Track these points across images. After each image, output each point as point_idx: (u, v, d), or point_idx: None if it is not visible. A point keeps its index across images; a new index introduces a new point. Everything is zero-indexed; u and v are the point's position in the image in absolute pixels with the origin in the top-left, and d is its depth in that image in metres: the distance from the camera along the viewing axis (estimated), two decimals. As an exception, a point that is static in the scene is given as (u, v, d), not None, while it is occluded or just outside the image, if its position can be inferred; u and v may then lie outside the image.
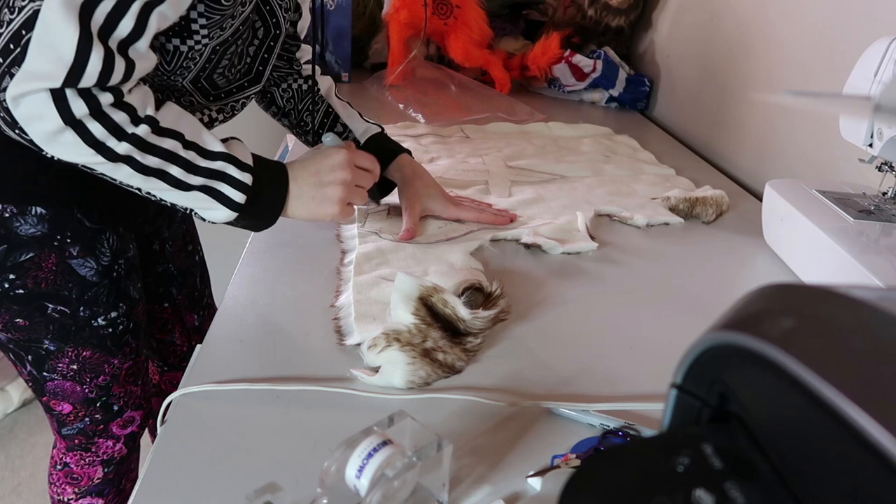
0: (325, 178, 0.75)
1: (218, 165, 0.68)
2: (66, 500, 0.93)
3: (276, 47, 0.83)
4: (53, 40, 0.56)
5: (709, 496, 0.21)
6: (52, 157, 0.62)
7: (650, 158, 1.30)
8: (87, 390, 0.84)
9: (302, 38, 0.97)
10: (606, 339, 0.72)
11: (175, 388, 0.60)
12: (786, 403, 0.21)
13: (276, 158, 1.06)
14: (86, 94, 0.59)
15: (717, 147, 1.42)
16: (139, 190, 0.67)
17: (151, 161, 0.64)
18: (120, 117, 0.61)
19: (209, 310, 1.13)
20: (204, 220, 0.71)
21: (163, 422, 0.58)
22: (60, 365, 0.82)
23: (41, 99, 0.57)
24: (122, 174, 0.64)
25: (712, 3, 1.48)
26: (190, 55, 0.71)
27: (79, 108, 0.59)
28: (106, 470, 0.92)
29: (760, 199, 1.00)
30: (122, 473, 0.95)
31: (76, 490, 0.92)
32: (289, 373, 0.62)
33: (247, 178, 0.69)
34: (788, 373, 0.20)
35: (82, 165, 0.63)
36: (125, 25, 0.58)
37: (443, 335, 0.63)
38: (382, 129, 0.98)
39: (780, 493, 0.21)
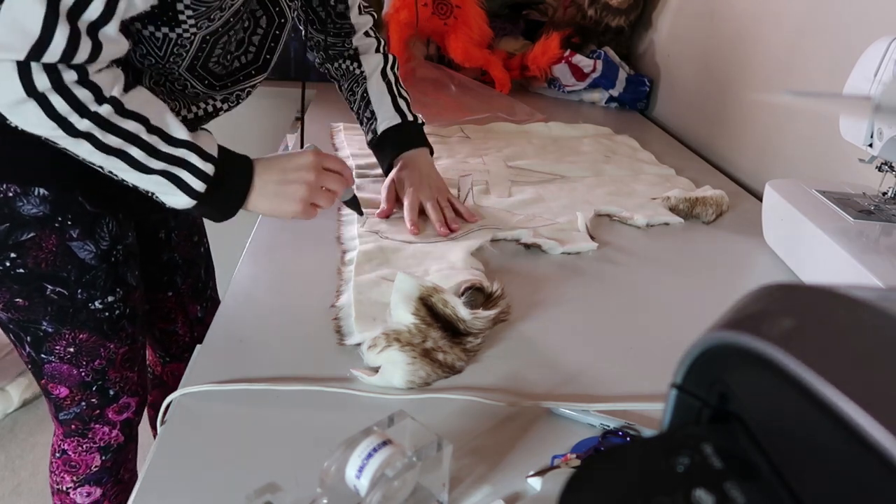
0: (290, 176, 0.77)
1: (180, 153, 0.69)
2: (65, 488, 0.94)
3: (282, 35, 0.84)
4: (20, 15, 0.58)
5: (709, 496, 0.21)
6: (16, 126, 0.63)
7: (650, 158, 1.30)
8: (83, 374, 0.86)
9: (353, 12, 1.01)
10: (606, 338, 0.72)
11: (176, 379, 0.60)
12: (786, 403, 0.21)
13: None
14: (50, 69, 0.60)
15: (717, 147, 1.42)
16: (101, 168, 0.68)
17: (112, 140, 0.66)
18: (83, 94, 0.63)
19: (212, 302, 1.13)
20: (164, 204, 0.73)
21: (163, 422, 0.58)
22: (58, 347, 0.83)
23: (5, 68, 0.59)
24: (83, 150, 0.65)
25: (712, 3, 1.48)
26: (179, 42, 0.72)
27: (42, 81, 0.60)
28: (103, 458, 0.93)
29: (760, 199, 1.00)
30: (120, 463, 0.95)
31: (74, 478, 0.93)
32: (289, 373, 0.62)
33: (208, 167, 0.71)
34: (788, 373, 0.20)
35: (45, 138, 0.65)
36: (94, 8, 0.60)
37: (443, 335, 0.63)
38: (406, 119, 1.01)
39: (780, 493, 0.21)
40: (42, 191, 0.75)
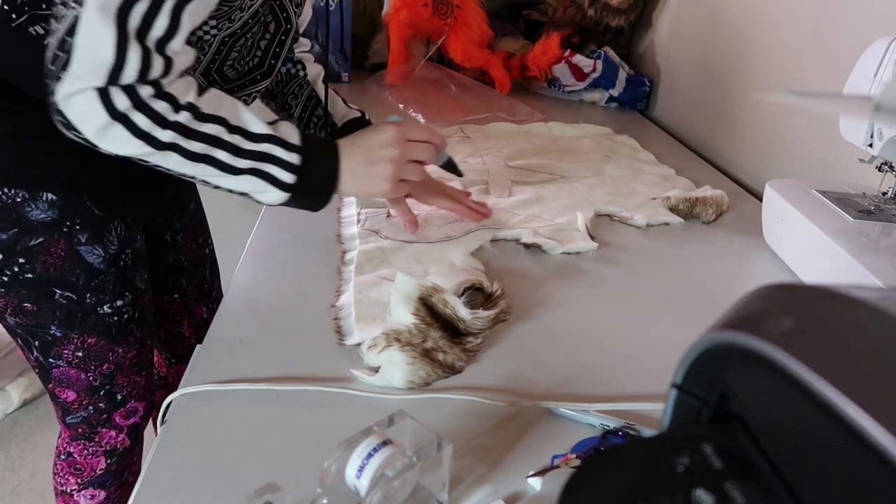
0: (375, 154, 0.75)
1: (264, 147, 0.69)
2: (69, 490, 0.94)
3: (287, 41, 0.85)
4: (93, 43, 0.59)
5: (709, 496, 0.21)
6: (110, 153, 0.65)
7: (650, 158, 1.30)
8: (91, 378, 0.86)
9: (301, 31, 0.98)
10: (606, 339, 0.72)
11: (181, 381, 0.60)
12: (786, 403, 0.21)
13: None
14: (127, 89, 0.62)
15: (717, 147, 1.42)
16: (194, 178, 0.69)
17: (197, 147, 0.66)
18: (161, 107, 0.64)
19: (218, 303, 1.13)
20: (261, 203, 0.73)
21: (163, 422, 0.58)
22: (66, 351, 0.83)
23: (88, 97, 0.61)
24: (172, 162, 0.66)
25: (712, 3, 1.48)
26: (199, 45, 0.72)
27: (122, 101, 0.62)
28: (109, 461, 0.93)
29: (760, 199, 1.00)
30: (125, 466, 0.95)
31: (79, 481, 0.93)
32: (289, 373, 0.62)
33: (294, 157, 0.70)
34: (788, 373, 0.20)
35: (136, 158, 0.66)
36: (160, 25, 0.61)
37: (443, 335, 0.63)
38: (364, 114, 0.99)
39: (780, 493, 0.21)
40: (50, 196, 0.75)
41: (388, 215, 0.94)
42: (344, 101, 1.00)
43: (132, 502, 0.50)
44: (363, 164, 0.75)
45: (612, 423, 0.57)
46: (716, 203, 1.05)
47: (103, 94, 0.61)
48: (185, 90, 0.66)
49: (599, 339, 0.71)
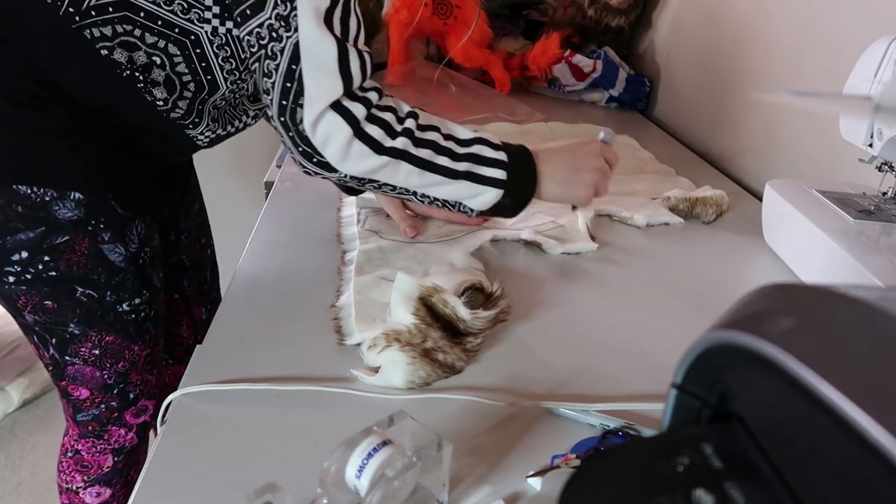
0: (581, 163, 0.78)
1: (474, 149, 0.72)
2: (74, 488, 0.94)
3: None
4: (320, 60, 0.63)
5: (709, 496, 0.21)
6: (345, 176, 0.68)
7: (650, 158, 1.30)
8: (106, 376, 0.86)
9: None
10: (606, 339, 0.72)
11: (179, 382, 0.60)
12: (786, 403, 0.21)
13: (273, 163, 1.07)
14: (357, 97, 0.65)
15: (717, 147, 1.42)
16: (416, 191, 0.72)
17: (424, 153, 0.69)
18: (388, 116, 0.68)
19: (217, 304, 1.14)
20: (472, 210, 0.76)
21: (163, 422, 0.58)
22: (83, 349, 0.83)
23: (331, 117, 0.64)
24: (402, 173, 0.69)
25: (712, 3, 1.48)
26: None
27: (358, 110, 0.65)
28: (116, 459, 0.93)
29: (760, 199, 1.00)
30: (131, 464, 0.96)
31: (85, 478, 0.94)
32: (289, 373, 0.62)
33: (501, 155, 0.73)
34: (788, 373, 0.20)
35: (367, 177, 0.69)
36: (353, 23, 0.66)
37: (443, 335, 0.63)
38: None
39: (780, 493, 0.21)
40: (77, 195, 0.76)
41: (389, 216, 0.94)
42: None
43: (132, 502, 0.50)
44: (569, 169, 0.78)
45: (612, 423, 0.57)
46: (716, 203, 1.05)
47: (340, 108, 0.64)
48: (397, 102, 0.69)
49: (599, 339, 0.71)
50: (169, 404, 0.58)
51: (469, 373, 0.64)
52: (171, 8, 0.68)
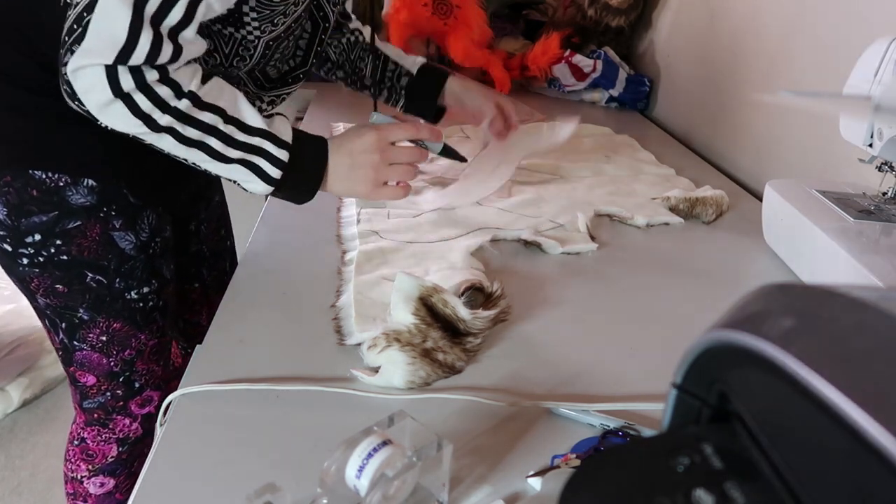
0: (357, 159, 0.78)
1: (256, 141, 0.72)
2: (79, 477, 0.95)
3: (325, 39, 0.88)
4: (109, 23, 0.62)
5: (709, 496, 0.21)
6: (106, 126, 0.67)
7: (650, 158, 1.30)
8: (112, 363, 0.87)
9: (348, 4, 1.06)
10: (606, 338, 0.72)
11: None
12: (786, 403, 0.21)
13: None
14: (134, 70, 0.64)
15: (717, 147, 1.42)
16: (185, 160, 0.71)
17: (192, 133, 0.69)
18: (164, 91, 0.66)
19: None
20: (246, 190, 0.75)
21: (163, 422, 0.58)
22: (91, 335, 0.85)
23: (95, 72, 0.63)
24: (167, 144, 0.69)
25: (712, 3, 1.48)
26: (244, 44, 0.76)
27: (126, 82, 0.64)
28: (120, 449, 0.94)
29: (760, 199, 1.00)
30: (135, 456, 0.97)
31: (90, 467, 0.95)
32: (289, 373, 0.62)
33: (283, 154, 0.73)
34: (788, 373, 0.20)
35: (133, 136, 0.68)
36: (175, 14, 0.64)
37: (443, 335, 0.63)
38: (425, 59, 1.06)
39: (780, 493, 0.21)
40: (91, 181, 0.78)
41: (390, 216, 0.94)
42: (405, 50, 1.07)
43: (132, 501, 0.50)
44: (346, 166, 0.77)
45: (612, 423, 0.57)
46: (716, 203, 1.05)
47: (110, 71, 0.63)
48: (189, 78, 0.68)
49: (599, 339, 0.71)
50: (169, 404, 0.58)
51: (469, 373, 0.64)
52: None
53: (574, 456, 0.53)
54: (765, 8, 1.28)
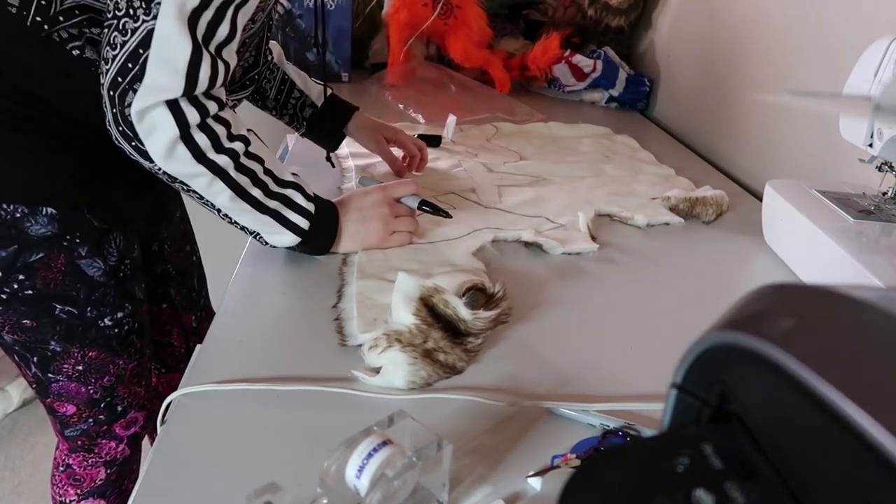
0: (367, 214, 0.82)
1: (289, 192, 0.74)
2: (67, 501, 0.93)
3: (268, 37, 0.87)
4: (170, 55, 0.61)
5: (709, 496, 0.21)
6: (163, 172, 0.67)
7: (650, 158, 1.30)
8: (91, 391, 0.85)
9: None
10: (606, 339, 0.72)
11: (173, 390, 0.60)
12: (786, 403, 0.21)
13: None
14: (196, 103, 0.64)
15: (717, 147, 1.42)
16: (218, 211, 0.72)
17: (242, 180, 0.69)
18: (220, 129, 0.66)
19: (206, 310, 1.13)
20: (267, 244, 0.77)
21: (163, 422, 0.58)
22: (66, 366, 0.82)
23: (160, 112, 0.62)
24: (216, 189, 0.68)
25: (712, 3, 1.48)
26: None
27: (192, 115, 0.63)
28: (108, 471, 0.92)
29: (760, 199, 1.00)
30: (125, 474, 0.95)
31: (78, 491, 0.93)
32: (289, 373, 0.62)
33: (310, 206, 0.75)
34: (788, 373, 0.20)
35: (180, 182, 0.68)
36: (223, 30, 0.63)
37: (444, 336, 0.63)
38: (327, 85, 1.06)
39: (780, 493, 0.21)
40: (50, 210, 0.74)
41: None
42: (308, 77, 1.06)
43: (132, 502, 0.50)
44: (356, 220, 0.81)
45: (612, 423, 0.57)
46: (716, 203, 1.05)
47: (174, 107, 0.62)
48: (235, 121, 0.68)
49: (599, 339, 0.71)
50: (169, 404, 0.58)
51: (469, 373, 0.64)
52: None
53: (574, 456, 0.53)
54: (765, 8, 1.28)
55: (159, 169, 0.66)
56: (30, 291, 0.76)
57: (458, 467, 0.52)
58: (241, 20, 0.65)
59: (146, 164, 0.66)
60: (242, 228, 0.74)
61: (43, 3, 0.65)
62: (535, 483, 0.51)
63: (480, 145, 1.30)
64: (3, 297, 0.75)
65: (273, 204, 0.72)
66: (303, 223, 0.74)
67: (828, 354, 0.20)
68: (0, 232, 0.72)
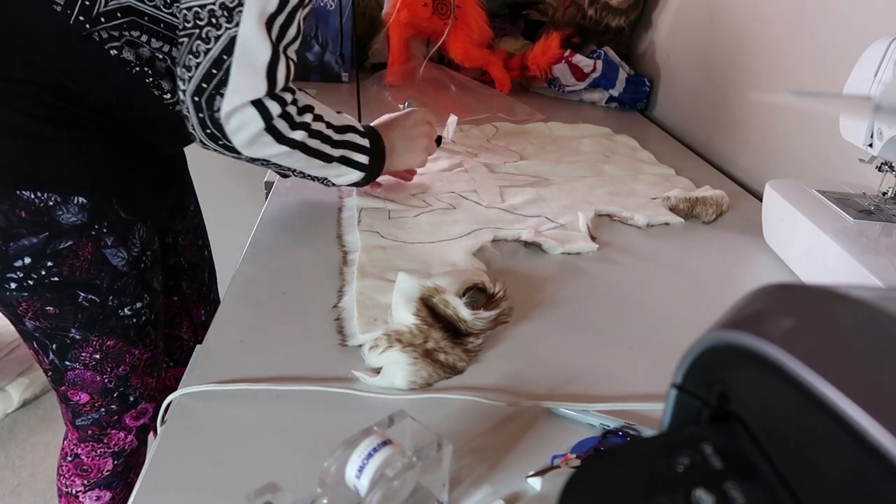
0: (412, 132, 0.89)
1: (348, 136, 0.80)
2: (74, 492, 0.94)
3: None
4: (252, 59, 0.66)
5: (709, 496, 0.21)
6: (247, 158, 0.73)
7: (650, 158, 1.30)
8: (106, 380, 0.86)
9: None
10: (606, 339, 0.72)
11: (179, 384, 0.60)
12: (786, 403, 0.21)
13: None
14: (276, 97, 0.70)
15: (717, 147, 1.42)
16: (292, 171, 0.79)
17: (313, 143, 0.76)
18: (292, 110, 0.72)
19: (215, 305, 1.14)
20: (334, 184, 0.84)
21: (163, 422, 0.58)
22: (84, 354, 0.83)
23: (247, 111, 0.68)
24: (294, 158, 0.75)
25: (712, 3, 1.48)
26: None
27: (274, 108, 0.70)
28: (116, 462, 0.93)
29: (760, 199, 1.00)
30: (131, 467, 0.96)
31: (85, 482, 0.93)
32: (289, 373, 0.62)
33: (366, 142, 0.81)
34: (788, 373, 0.20)
35: (262, 161, 0.75)
36: (291, 31, 0.69)
37: (444, 336, 0.63)
38: None
39: (780, 493, 0.21)
40: (81, 199, 0.76)
41: (391, 216, 0.94)
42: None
43: (132, 502, 0.50)
44: (402, 139, 0.88)
45: (612, 423, 0.57)
46: (716, 203, 1.05)
47: (260, 106, 0.68)
48: (296, 94, 0.73)
49: (599, 340, 0.71)
50: (169, 404, 0.58)
51: (469, 373, 0.64)
52: (171, 11, 0.70)
53: (574, 456, 0.53)
54: (765, 8, 1.28)
55: (243, 157, 0.72)
56: (56, 278, 0.78)
57: (458, 467, 0.52)
58: (303, 21, 0.70)
59: (229, 154, 0.72)
60: (313, 178, 0.81)
61: (87, 3, 0.68)
62: (535, 483, 0.51)
63: (481, 145, 1.30)
64: (30, 283, 0.77)
65: (339, 152, 0.78)
66: (364, 159, 0.81)
67: (828, 354, 0.20)
68: (33, 219, 0.74)
